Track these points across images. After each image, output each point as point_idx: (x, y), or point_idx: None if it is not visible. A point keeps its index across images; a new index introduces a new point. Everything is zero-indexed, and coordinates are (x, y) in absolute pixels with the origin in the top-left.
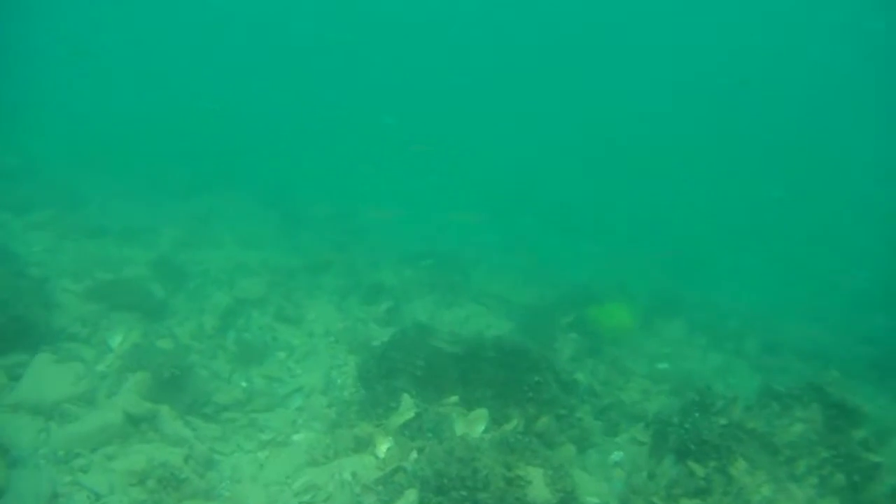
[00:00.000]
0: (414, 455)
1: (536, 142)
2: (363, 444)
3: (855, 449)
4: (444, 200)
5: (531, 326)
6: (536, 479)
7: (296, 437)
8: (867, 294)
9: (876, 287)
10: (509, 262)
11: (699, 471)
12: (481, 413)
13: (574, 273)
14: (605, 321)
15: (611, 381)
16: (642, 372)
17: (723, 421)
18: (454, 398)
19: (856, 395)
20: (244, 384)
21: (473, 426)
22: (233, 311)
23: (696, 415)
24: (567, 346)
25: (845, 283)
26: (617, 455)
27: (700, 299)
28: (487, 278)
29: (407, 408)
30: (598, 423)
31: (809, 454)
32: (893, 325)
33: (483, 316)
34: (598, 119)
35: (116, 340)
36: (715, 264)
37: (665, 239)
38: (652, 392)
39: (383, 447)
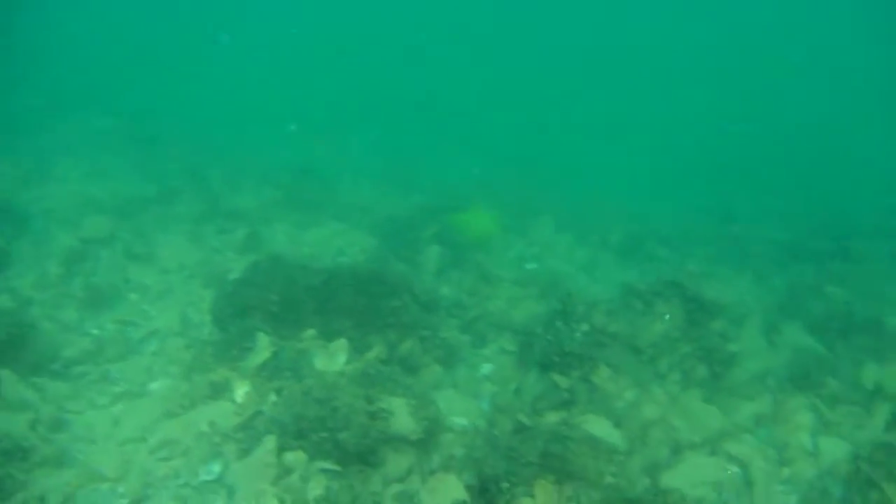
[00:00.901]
0: (273, 398)
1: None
2: (220, 390)
3: (714, 340)
4: (314, 112)
5: (395, 241)
6: (400, 410)
7: (152, 386)
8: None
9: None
10: (376, 170)
11: (563, 382)
12: (341, 344)
13: (443, 177)
14: (469, 228)
15: (477, 290)
16: (510, 276)
17: (585, 327)
18: (312, 331)
19: (716, 281)
20: (95, 332)
21: (334, 359)
22: (79, 253)
23: (559, 324)
24: (431, 259)
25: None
26: (486, 368)
27: (570, 197)
28: (353, 189)
29: (263, 347)
30: (466, 336)
31: (671, 351)
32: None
33: (346, 233)
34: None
35: None
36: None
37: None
38: (519, 298)
39: (241, 391)
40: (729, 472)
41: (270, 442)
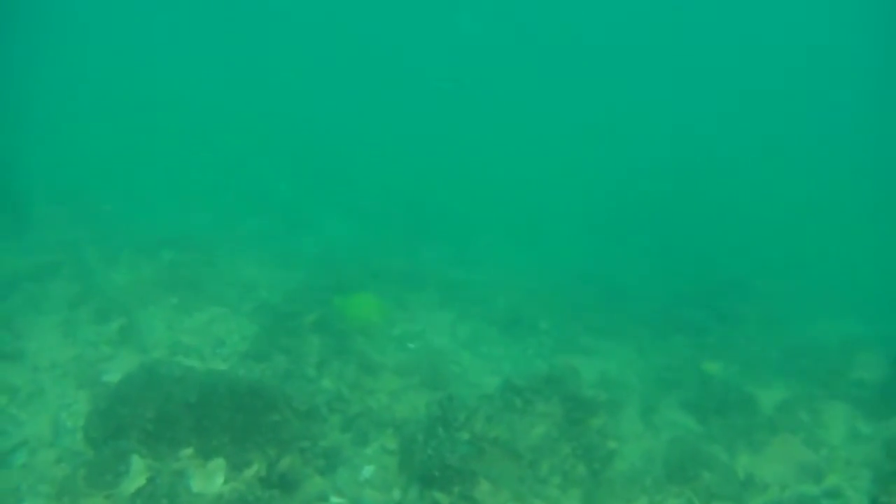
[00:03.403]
0: None
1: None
2: None
3: (593, 438)
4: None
5: (276, 329)
6: None
7: None
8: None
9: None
10: (255, 237)
11: (444, 501)
12: (219, 464)
13: (324, 248)
14: (352, 312)
15: (359, 383)
16: (392, 363)
17: (466, 436)
18: (189, 450)
19: (597, 356)
20: None
21: (211, 480)
22: None
23: (440, 430)
24: (313, 350)
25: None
26: (367, 470)
27: (454, 265)
28: (232, 262)
29: (138, 472)
30: (348, 435)
31: (552, 453)
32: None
33: (226, 319)
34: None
35: None
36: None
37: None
38: (401, 390)
39: None
40: None
41: None
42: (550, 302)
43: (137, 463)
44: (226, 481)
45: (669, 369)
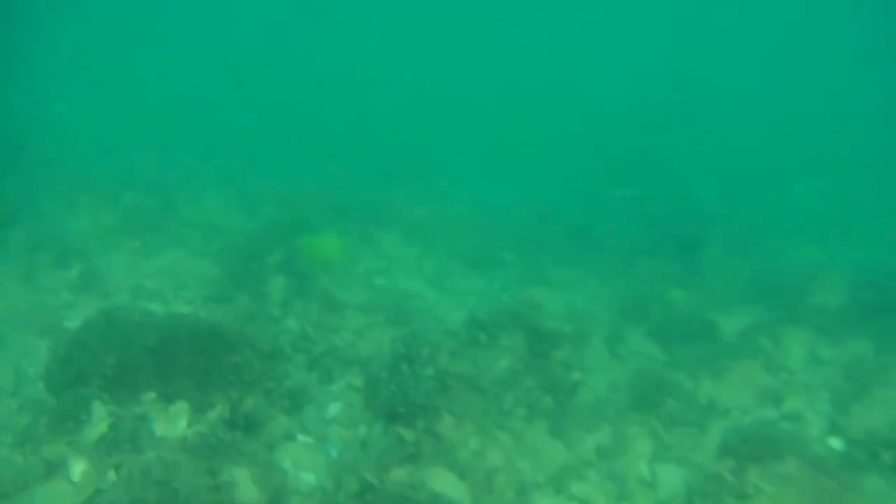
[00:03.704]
0: (112, 475)
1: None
2: (55, 468)
3: (558, 370)
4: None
5: (239, 270)
6: (244, 480)
7: None
8: None
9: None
10: (218, 178)
11: (408, 436)
12: (181, 407)
13: (291, 182)
14: (317, 251)
15: (324, 321)
16: (357, 300)
17: (430, 371)
18: (151, 395)
19: (562, 287)
20: None
21: (174, 423)
22: None
23: (404, 367)
24: (276, 290)
25: None
26: (333, 408)
27: (420, 202)
28: (194, 204)
29: (99, 418)
30: (314, 373)
31: (516, 386)
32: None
33: (188, 262)
34: None
35: None
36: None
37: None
38: (366, 328)
39: (77, 469)
40: None
41: None
42: (518, 237)
43: (99, 409)
44: (189, 424)
45: (635, 299)
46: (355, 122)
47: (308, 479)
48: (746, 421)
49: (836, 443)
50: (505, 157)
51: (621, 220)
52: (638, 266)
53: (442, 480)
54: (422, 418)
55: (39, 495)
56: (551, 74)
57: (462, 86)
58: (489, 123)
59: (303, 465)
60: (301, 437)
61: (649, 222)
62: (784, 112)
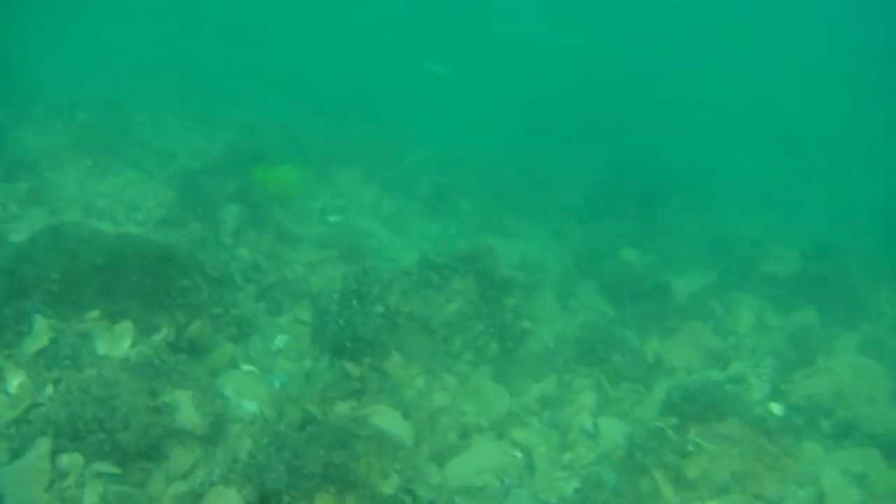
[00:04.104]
0: (50, 389)
1: None
2: None
3: (507, 317)
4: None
5: (193, 196)
6: (185, 403)
7: None
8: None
9: None
10: (180, 102)
11: (354, 371)
12: (126, 326)
13: (253, 113)
14: (273, 184)
15: (276, 253)
16: (311, 234)
17: (380, 309)
18: (95, 313)
19: (516, 237)
20: None
21: (118, 343)
22: None
23: (354, 303)
24: (230, 218)
25: None
26: (280, 339)
27: (382, 143)
28: (153, 126)
29: (41, 332)
30: (262, 304)
31: (465, 330)
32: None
33: (142, 184)
34: None
35: None
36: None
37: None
38: (318, 262)
39: (15, 381)
40: (512, 458)
41: (44, 445)
42: (477, 186)
43: (41, 323)
44: (133, 345)
45: (589, 255)
46: (334, 68)
47: (250, 407)
48: (692, 380)
49: (777, 408)
50: (470, 115)
51: (581, 177)
52: (594, 223)
53: (385, 417)
54: (369, 355)
55: None
56: (522, 30)
57: (428, 40)
58: (458, 78)
59: (245, 393)
60: (245, 366)
61: (610, 180)
62: (755, 86)
